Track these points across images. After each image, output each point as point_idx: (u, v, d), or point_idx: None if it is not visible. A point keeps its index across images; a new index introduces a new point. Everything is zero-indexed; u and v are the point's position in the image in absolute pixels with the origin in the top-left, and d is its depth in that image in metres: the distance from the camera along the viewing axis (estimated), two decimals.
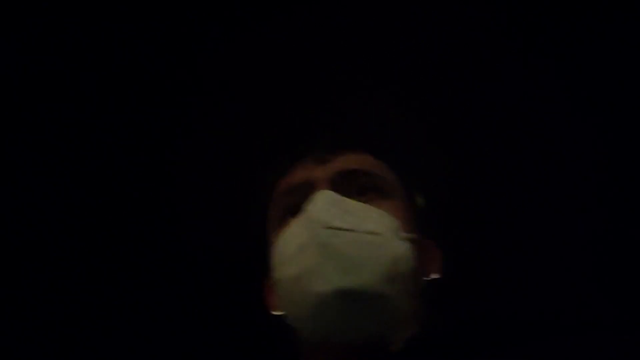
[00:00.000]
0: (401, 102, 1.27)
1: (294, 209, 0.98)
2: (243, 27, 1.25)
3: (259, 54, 1.27)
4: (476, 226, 1.32)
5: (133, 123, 1.31)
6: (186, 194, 1.32)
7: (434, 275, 1.02)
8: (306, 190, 0.98)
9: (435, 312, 1.02)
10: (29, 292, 1.29)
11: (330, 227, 0.90)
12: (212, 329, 1.33)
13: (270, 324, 1.00)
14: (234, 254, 1.29)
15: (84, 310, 1.31)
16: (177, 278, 1.33)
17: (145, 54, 1.27)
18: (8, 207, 1.29)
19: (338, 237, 0.89)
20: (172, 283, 1.34)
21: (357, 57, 1.27)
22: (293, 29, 1.25)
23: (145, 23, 1.25)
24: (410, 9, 1.23)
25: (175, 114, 1.31)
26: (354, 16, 1.24)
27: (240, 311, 1.30)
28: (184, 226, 1.32)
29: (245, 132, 1.29)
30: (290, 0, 1.23)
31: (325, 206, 0.92)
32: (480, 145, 1.31)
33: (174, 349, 1.32)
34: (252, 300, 1.08)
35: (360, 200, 0.97)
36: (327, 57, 1.27)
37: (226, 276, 1.33)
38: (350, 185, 0.99)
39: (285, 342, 0.98)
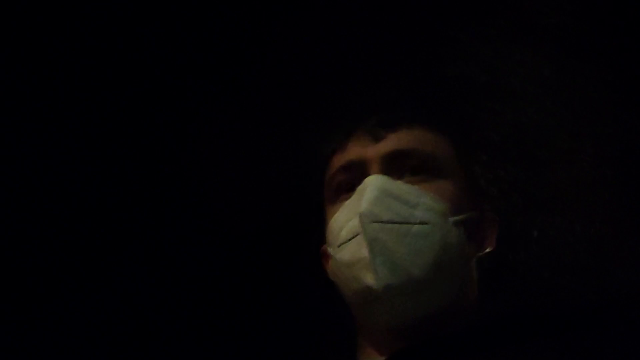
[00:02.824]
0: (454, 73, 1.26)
1: (348, 186, 1.01)
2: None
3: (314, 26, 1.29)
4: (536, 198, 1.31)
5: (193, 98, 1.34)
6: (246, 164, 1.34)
7: (488, 249, 1.04)
8: (359, 169, 1.01)
9: (490, 286, 1.03)
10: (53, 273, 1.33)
11: (380, 221, 0.93)
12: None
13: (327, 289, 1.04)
14: (293, 222, 1.31)
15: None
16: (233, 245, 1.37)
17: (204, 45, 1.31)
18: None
19: (386, 232, 0.93)
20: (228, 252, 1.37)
21: (419, 31, 1.27)
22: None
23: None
24: None
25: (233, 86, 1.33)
26: None
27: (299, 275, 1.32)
28: (240, 195, 1.35)
29: (301, 105, 1.30)
30: None
31: (376, 195, 0.95)
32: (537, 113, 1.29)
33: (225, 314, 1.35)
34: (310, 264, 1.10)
35: (412, 181, 0.99)
36: (388, 32, 1.28)
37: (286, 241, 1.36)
38: (403, 165, 1.00)
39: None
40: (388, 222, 0.93)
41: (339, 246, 0.98)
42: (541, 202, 1.31)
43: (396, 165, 1.00)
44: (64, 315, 1.31)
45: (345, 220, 0.97)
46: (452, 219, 0.97)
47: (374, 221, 0.93)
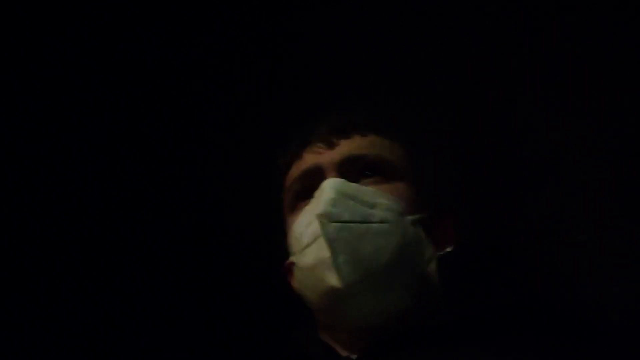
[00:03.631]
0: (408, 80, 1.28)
1: (305, 194, 1.03)
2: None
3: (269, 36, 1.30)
4: (488, 196, 1.32)
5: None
6: (202, 180, 1.34)
7: (448, 249, 1.05)
8: (315, 176, 1.03)
9: (452, 285, 1.04)
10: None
11: (339, 221, 0.94)
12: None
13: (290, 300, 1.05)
14: (252, 236, 1.31)
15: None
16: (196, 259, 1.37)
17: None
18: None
19: (346, 231, 0.94)
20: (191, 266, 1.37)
21: (367, 40, 1.29)
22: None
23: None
24: None
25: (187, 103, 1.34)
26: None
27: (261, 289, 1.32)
28: (201, 209, 1.35)
29: (255, 118, 1.31)
30: None
31: (334, 197, 0.96)
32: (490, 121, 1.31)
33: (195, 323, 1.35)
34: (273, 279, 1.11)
35: (367, 183, 1.01)
36: (339, 43, 1.30)
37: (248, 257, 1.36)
38: (357, 169, 1.02)
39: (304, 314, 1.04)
40: (347, 221, 0.94)
41: (300, 252, 0.99)
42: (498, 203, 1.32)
43: (351, 170, 1.02)
44: (64, 315, 1.30)
45: (306, 225, 0.98)
46: (409, 217, 0.99)
47: (333, 221, 0.94)
